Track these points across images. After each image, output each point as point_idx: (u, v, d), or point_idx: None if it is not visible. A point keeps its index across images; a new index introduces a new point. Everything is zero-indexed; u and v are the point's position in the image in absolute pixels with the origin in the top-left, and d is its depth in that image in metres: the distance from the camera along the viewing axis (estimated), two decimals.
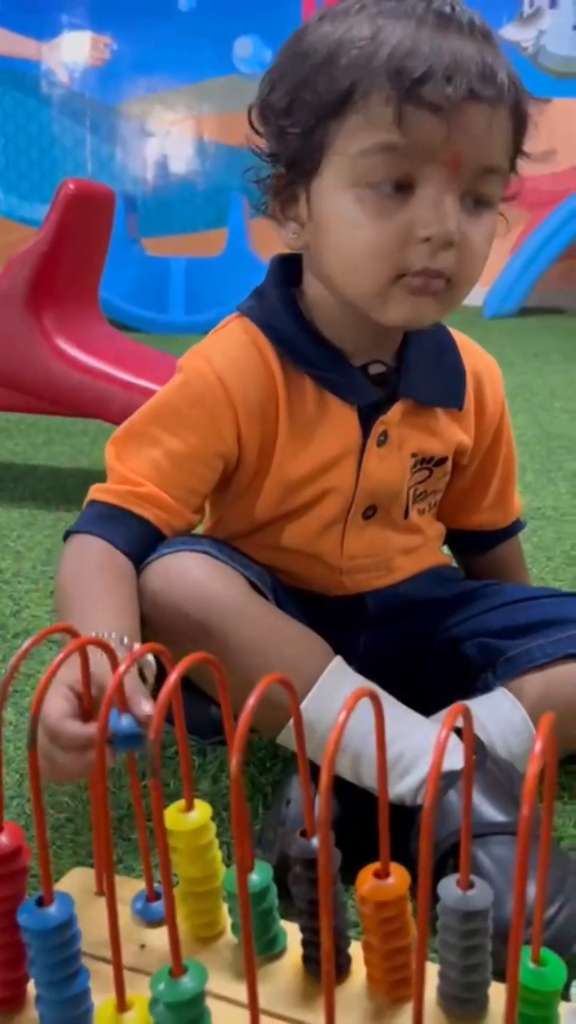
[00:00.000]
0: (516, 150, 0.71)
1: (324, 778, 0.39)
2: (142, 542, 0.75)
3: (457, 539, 0.93)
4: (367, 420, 0.78)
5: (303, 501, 0.79)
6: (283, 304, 0.77)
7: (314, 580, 0.83)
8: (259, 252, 3.99)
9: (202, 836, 0.53)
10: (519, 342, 3.60)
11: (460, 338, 0.85)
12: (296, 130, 0.69)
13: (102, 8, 5.06)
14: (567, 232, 4.29)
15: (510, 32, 4.78)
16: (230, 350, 0.77)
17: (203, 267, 4.16)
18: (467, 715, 0.43)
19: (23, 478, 1.86)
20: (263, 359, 0.77)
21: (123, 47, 5.10)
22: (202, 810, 0.53)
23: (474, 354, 0.86)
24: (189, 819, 0.53)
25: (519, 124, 0.69)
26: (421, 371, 0.79)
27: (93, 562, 0.73)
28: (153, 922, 0.55)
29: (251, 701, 0.41)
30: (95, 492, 0.78)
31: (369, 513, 0.81)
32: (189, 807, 0.53)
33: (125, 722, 0.53)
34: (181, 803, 0.54)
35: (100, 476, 0.78)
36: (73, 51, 5.15)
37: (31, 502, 1.69)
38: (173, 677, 0.42)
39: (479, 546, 0.94)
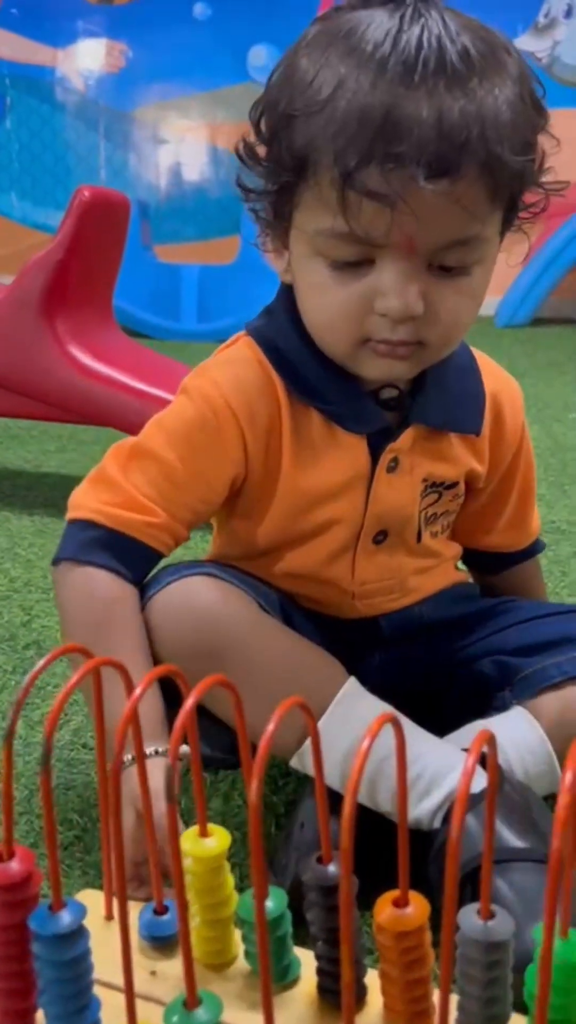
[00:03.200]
0: (518, 187, 0.67)
1: (347, 808, 0.38)
2: (146, 566, 0.76)
3: (473, 558, 0.92)
4: (377, 446, 0.76)
5: (308, 528, 0.78)
6: (293, 327, 0.74)
7: (327, 604, 0.82)
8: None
9: (217, 861, 0.52)
10: (531, 352, 3.59)
11: (482, 359, 0.83)
12: (272, 178, 0.68)
13: (118, 16, 5.07)
14: None
15: (525, 43, 4.76)
16: (238, 371, 0.75)
17: (216, 275, 4.16)
18: (492, 742, 0.42)
19: (35, 486, 1.85)
20: (269, 382, 0.75)
21: (138, 54, 5.11)
22: (220, 837, 0.52)
23: (495, 376, 0.83)
24: (206, 845, 0.52)
25: (504, 174, 0.63)
26: (436, 395, 0.76)
27: (112, 614, 0.72)
28: (159, 937, 0.54)
29: (270, 727, 0.40)
30: (91, 512, 0.74)
31: (380, 538, 0.79)
32: (203, 832, 0.52)
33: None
34: (196, 828, 0.52)
35: None
36: (88, 58, 5.16)
37: (42, 510, 1.68)
38: (190, 702, 0.41)
39: (494, 566, 0.92)
